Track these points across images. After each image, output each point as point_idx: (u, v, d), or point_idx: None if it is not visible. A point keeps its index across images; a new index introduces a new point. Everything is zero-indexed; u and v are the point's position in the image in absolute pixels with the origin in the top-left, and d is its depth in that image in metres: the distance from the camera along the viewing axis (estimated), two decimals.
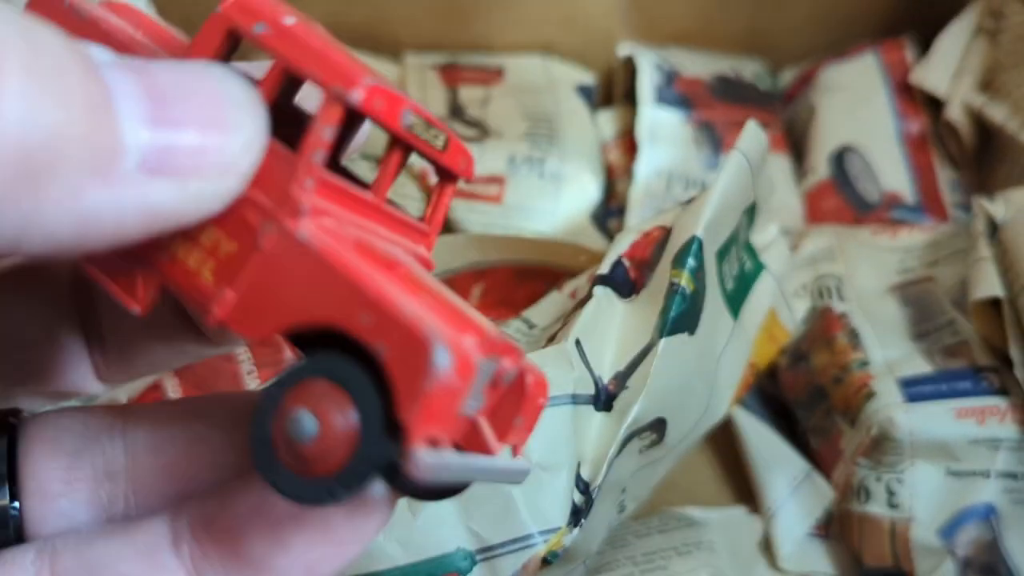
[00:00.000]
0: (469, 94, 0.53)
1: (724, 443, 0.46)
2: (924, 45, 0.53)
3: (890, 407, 0.40)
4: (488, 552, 0.30)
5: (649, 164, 0.51)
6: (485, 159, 0.50)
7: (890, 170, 0.51)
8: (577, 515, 0.31)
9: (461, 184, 0.50)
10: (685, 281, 0.33)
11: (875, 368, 0.42)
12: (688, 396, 0.34)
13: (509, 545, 0.30)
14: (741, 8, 0.58)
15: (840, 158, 0.52)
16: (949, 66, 0.51)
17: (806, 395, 0.45)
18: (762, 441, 0.45)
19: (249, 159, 0.18)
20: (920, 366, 0.42)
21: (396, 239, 0.21)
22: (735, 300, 0.38)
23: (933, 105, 0.52)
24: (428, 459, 0.17)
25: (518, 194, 0.50)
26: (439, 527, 0.29)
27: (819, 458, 0.44)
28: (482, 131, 0.51)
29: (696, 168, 0.51)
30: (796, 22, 0.60)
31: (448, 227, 0.50)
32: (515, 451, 0.20)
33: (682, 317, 0.33)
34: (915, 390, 0.41)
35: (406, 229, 0.21)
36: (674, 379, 0.33)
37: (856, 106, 0.53)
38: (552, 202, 0.50)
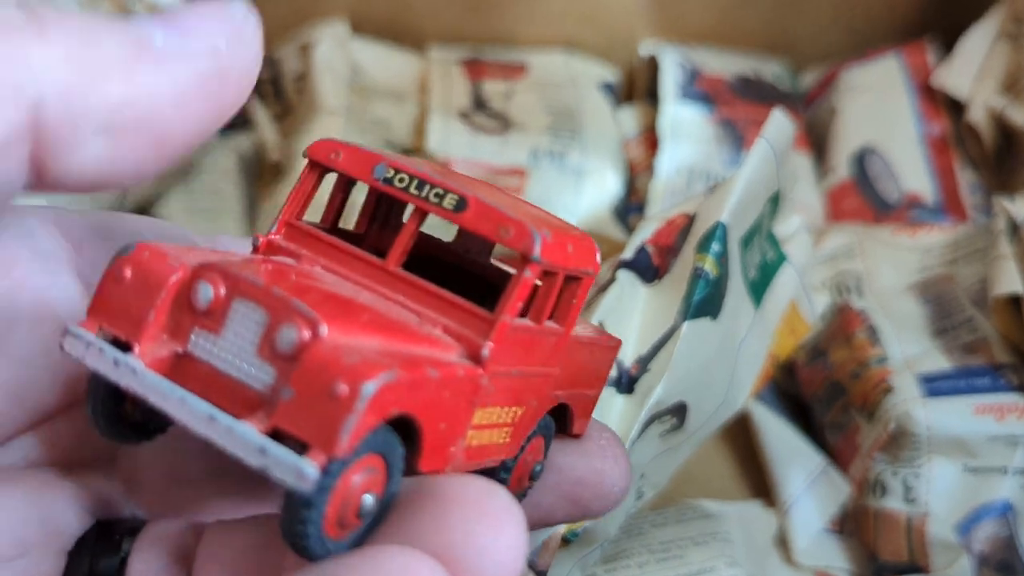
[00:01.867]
0: (492, 88, 0.54)
1: (741, 438, 0.46)
2: (947, 48, 0.54)
3: (908, 402, 0.40)
4: None
5: (671, 160, 0.51)
6: (507, 151, 0.50)
7: (911, 171, 0.51)
8: None
9: (484, 176, 0.50)
10: (709, 265, 0.33)
11: (893, 364, 0.42)
12: (709, 381, 0.35)
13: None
14: (763, 7, 0.59)
15: (861, 158, 0.53)
16: (971, 69, 0.51)
17: (824, 391, 0.45)
18: (779, 436, 0.45)
19: None
20: (939, 363, 0.42)
21: (403, 309, 0.21)
22: (757, 289, 0.38)
23: (955, 108, 0.53)
24: None
25: (539, 187, 0.50)
26: None
27: (836, 453, 0.44)
28: (505, 124, 0.52)
29: (717, 165, 0.52)
30: (818, 22, 0.60)
31: None
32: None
33: (705, 301, 0.33)
34: (933, 386, 0.41)
35: (444, 306, 0.21)
36: (696, 363, 0.33)
37: (878, 108, 0.54)
38: (573, 196, 0.50)
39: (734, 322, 0.35)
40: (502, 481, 0.23)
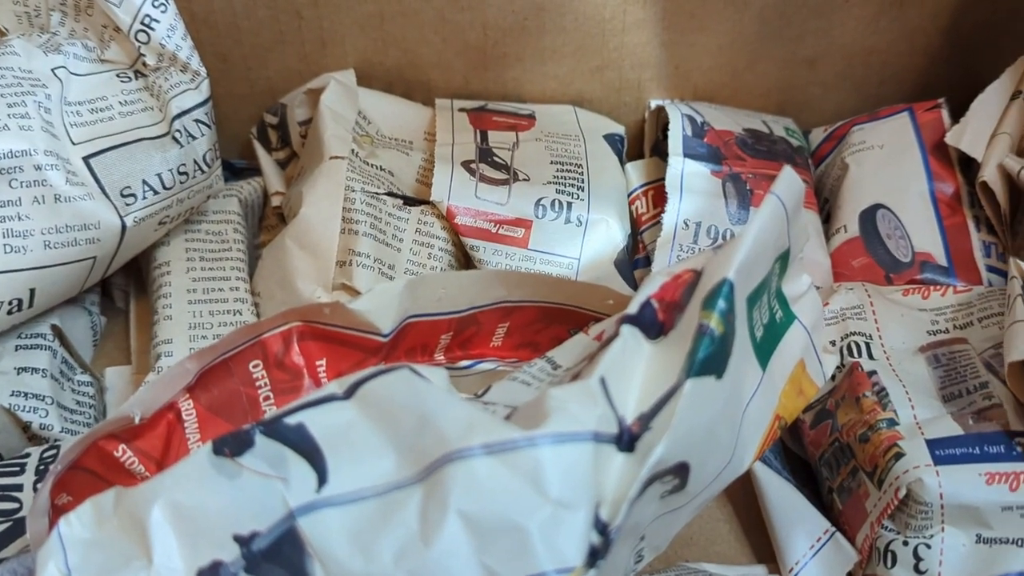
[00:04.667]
0: (498, 137, 0.53)
1: (744, 500, 0.45)
2: (959, 109, 0.53)
3: (920, 469, 0.39)
4: None
5: (677, 214, 0.50)
6: (512, 202, 0.50)
7: (922, 230, 0.50)
8: (594, 556, 0.30)
9: (488, 226, 0.50)
10: (715, 323, 0.32)
11: (903, 428, 0.41)
12: (713, 442, 0.33)
13: None
14: (772, 65, 0.58)
15: (871, 216, 0.52)
16: (985, 129, 0.51)
17: (831, 453, 0.44)
18: (784, 499, 0.43)
19: None
20: (950, 428, 0.41)
21: None
22: (764, 349, 0.37)
23: (967, 167, 0.52)
24: None
25: (543, 238, 0.49)
26: (452, 560, 0.28)
27: (843, 519, 0.43)
28: (510, 174, 0.51)
29: (724, 220, 0.51)
30: (828, 81, 0.59)
31: (473, 267, 0.50)
32: None
33: (710, 359, 0.32)
34: (945, 452, 0.40)
35: None
36: (699, 422, 0.32)
37: (889, 165, 0.53)
38: (577, 248, 0.50)
39: (739, 382, 0.34)
40: None
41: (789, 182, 0.35)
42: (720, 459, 0.34)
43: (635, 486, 0.30)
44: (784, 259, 0.37)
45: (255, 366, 0.39)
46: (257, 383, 0.39)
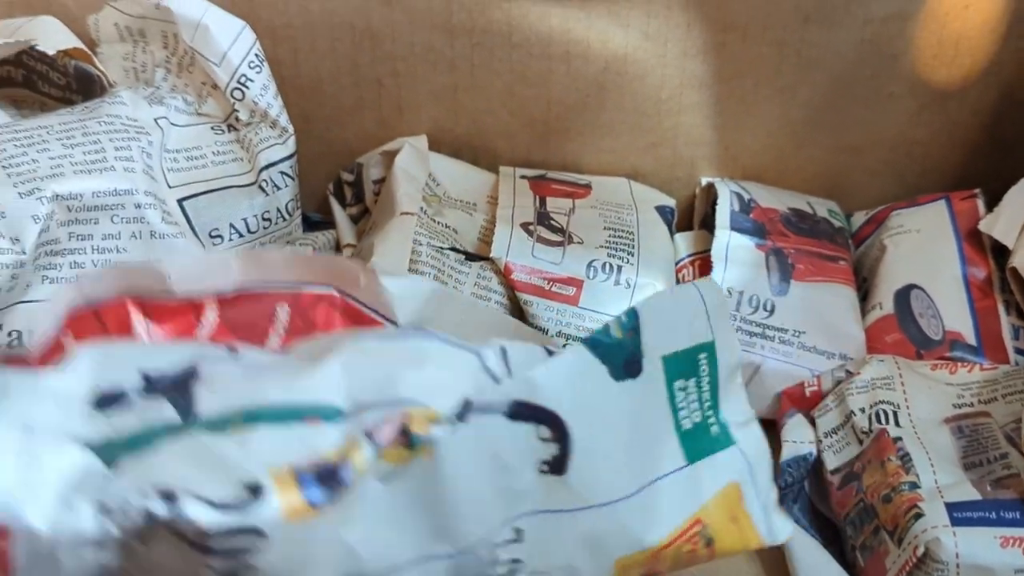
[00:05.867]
0: (556, 203, 0.57)
1: (772, 558, 0.47)
2: (994, 199, 0.56)
3: (938, 529, 0.41)
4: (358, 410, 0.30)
5: (722, 282, 0.54)
6: (566, 262, 0.53)
7: (953, 311, 0.53)
8: (466, 410, 0.30)
9: (542, 283, 0.52)
10: (613, 327, 0.33)
11: (925, 491, 0.43)
12: (601, 434, 0.33)
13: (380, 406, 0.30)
14: (818, 151, 0.62)
15: (906, 295, 0.54)
16: (1017, 218, 0.53)
17: (856, 513, 0.46)
18: (809, 555, 0.46)
19: None
20: (969, 493, 0.43)
21: None
22: (691, 445, 0.36)
23: (999, 254, 0.54)
24: None
25: (593, 297, 0.53)
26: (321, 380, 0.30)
27: None
28: (565, 237, 0.55)
29: (766, 290, 0.54)
30: (872, 168, 0.62)
31: (524, 320, 0.53)
32: None
33: (601, 344, 0.32)
34: (963, 515, 0.42)
35: None
36: (583, 390, 0.32)
37: (925, 248, 0.56)
38: (624, 307, 0.53)
39: (647, 428, 0.34)
40: None
41: (710, 287, 0.36)
42: (613, 472, 0.34)
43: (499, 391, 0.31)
44: (711, 355, 0.36)
45: (281, 307, 0.39)
46: (275, 321, 0.40)
